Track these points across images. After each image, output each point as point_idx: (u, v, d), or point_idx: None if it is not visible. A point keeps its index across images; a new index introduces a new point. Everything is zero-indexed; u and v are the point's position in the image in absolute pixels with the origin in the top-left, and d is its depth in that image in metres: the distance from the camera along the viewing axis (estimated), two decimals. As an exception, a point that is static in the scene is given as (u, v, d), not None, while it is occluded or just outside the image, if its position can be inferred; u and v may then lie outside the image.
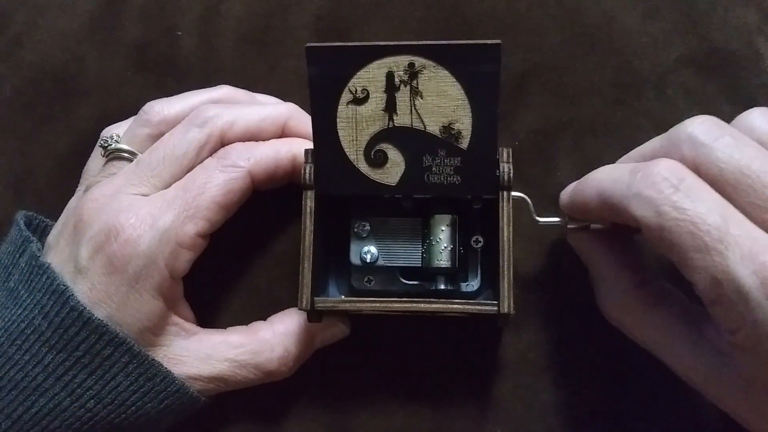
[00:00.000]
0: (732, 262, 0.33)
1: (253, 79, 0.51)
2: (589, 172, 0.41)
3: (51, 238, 0.45)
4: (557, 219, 0.44)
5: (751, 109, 0.38)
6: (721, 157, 0.35)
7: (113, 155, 0.46)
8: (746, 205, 0.34)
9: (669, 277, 0.41)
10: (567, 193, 0.43)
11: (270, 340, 0.45)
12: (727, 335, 0.35)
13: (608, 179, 0.39)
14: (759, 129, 0.37)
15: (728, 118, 0.38)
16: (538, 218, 0.44)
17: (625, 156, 0.43)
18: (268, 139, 0.46)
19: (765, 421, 0.37)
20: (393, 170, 0.41)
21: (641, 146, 0.41)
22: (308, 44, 0.39)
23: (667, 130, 0.38)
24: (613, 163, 0.43)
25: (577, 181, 0.42)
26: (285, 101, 0.49)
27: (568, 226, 0.43)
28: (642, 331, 0.41)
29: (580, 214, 0.43)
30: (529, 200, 0.43)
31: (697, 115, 0.38)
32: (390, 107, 0.40)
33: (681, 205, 0.34)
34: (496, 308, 0.40)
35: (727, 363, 0.36)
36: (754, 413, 0.37)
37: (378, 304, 0.41)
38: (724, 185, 0.35)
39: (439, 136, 0.40)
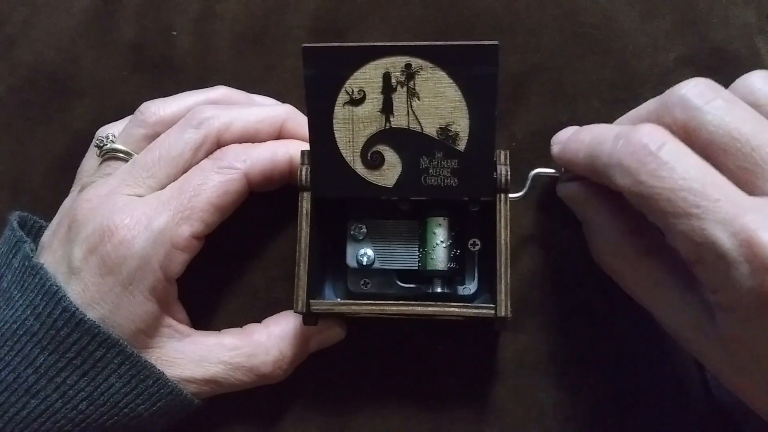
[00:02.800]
0: (709, 225, 0.33)
1: (250, 79, 0.51)
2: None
3: (45, 238, 0.45)
4: (553, 170, 0.44)
5: (751, 72, 0.38)
6: (712, 119, 0.35)
7: (108, 155, 0.45)
8: (736, 169, 0.35)
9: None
10: (559, 143, 0.43)
11: (265, 342, 0.44)
12: (709, 294, 0.36)
13: (595, 142, 0.39)
14: (759, 91, 0.37)
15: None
16: (536, 170, 0.44)
17: (621, 117, 0.43)
18: (265, 141, 0.45)
19: (743, 379, 0.37)
20: (390, 172, 0.40)
21: (636, 108, 0.41)
22: (305, 44, 0.39)
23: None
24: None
25: (570, 131, 0.43)
26: (282, 102, 0.49)
27: (565, 177, 0.43)
28: (633, 280, 0.41)
29: (569, 168, 0.43)
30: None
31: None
32: (387, 108, 0.39)
33: (658, 172, 0.34)
34: (493, 312, 0.40)
35: (712, 319, 0.36)
36: (733, 370, 0.37)
37: (374, 307, 0.41)
38: (714, 149, 0.35)
39: (436, 137, 0.39)
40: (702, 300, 0.37)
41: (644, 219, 0.38)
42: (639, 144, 0.35)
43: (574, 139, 0.41)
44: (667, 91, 0.38)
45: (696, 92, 0.36)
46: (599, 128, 0.41)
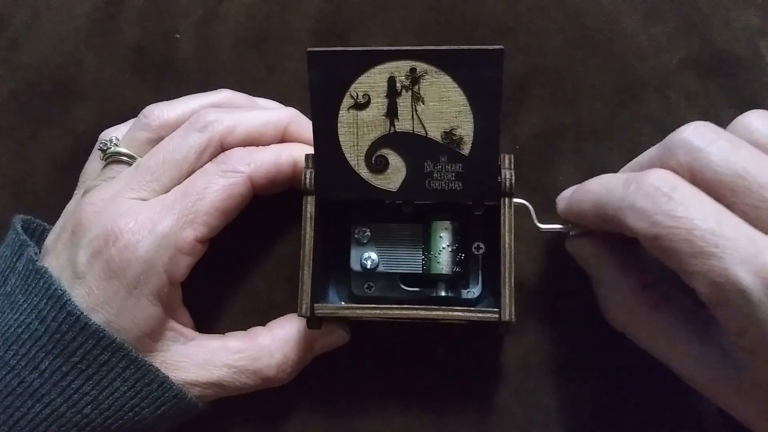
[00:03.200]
0: (730, 264, 0.33)
1: (252, 82, 0.51)
2: (590, 176, 0.41)
3: (49, 242, 0.45)
4: (559, 226, 0.44)
5: (748, 112, 0.38)
6: (717, 160, 0.35)
7: (112, 159, 0.45)
8: (745, 207, 0.34)
9: (672, 280, 0.41)
10: (564, 199, 0.43)
11: (269, 346, 0.44)
12: (733, 338, 0.35)
13: (603, 190, 0.39)
14: (757, 131, 0.37)
15: (730, 121, 0.38)
16: (539, 224, 0.43)
17: (625, 166, 0.42)
18: (269, 144, 0.45)
19: None
20: (394, 176, 0.40)
21: (639, 156, 0.41)
22: (310, 48, 0.39)
23: (670, 133, 0.38)
24: (616, 167, 0.43)
25: (573, 188, 0.42)
26: (285, 105, 0.49)
27: (571, 233, 0.43)
28: (646, 335, 0.41)
29: (577, 223, 0.43)
30: (530, 207, 0.43)
31: (698, 118, 0.38)
32: (391, 112, 0.39)
33: (674, 213, 0.34)
34: (497, 316, 0.40)
35: (733, 365, 0.36)
36: (761, 416, 0.37)
37: (378, 311, 0.41)
38: (722, 189, 0.35)
39: (441, 141, 0.39)
40: (719, 348, 0.37)
41: (653, 273, 0.38)
42: (651, 186, 0.35)
43: (579, 191, 0.41)
44: (668, 136, 0.38)
45: (697, 134, 0.37)
46: (605, 177, 0.41)
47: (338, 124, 0.40)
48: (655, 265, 0.42)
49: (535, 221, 0.43)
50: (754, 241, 0.33)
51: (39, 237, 0.47)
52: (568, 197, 0.43)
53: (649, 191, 0.35)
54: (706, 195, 0.35)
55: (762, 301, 0.32)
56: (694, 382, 0.39)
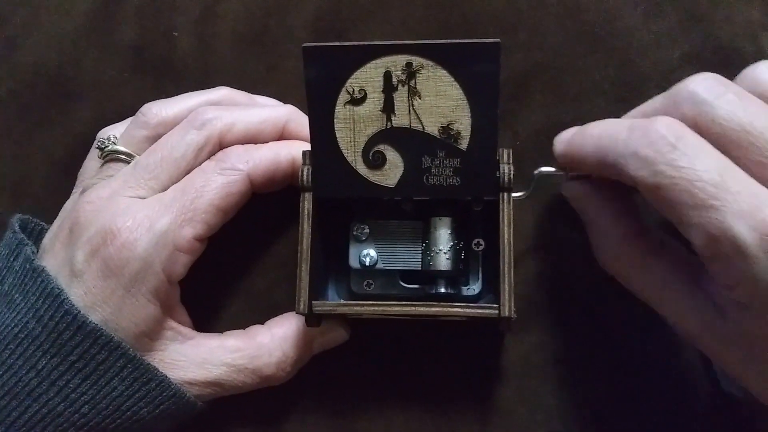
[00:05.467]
0: (729, 217, 0.33)
1: (251, 80, 0.51)
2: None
3: (46, 240, 0.45)
4: (558, 169, 0.43)
5: (758, 63, 0.38)
6: (723, 114, 0.35)
7: (110, 157, 0.45)
8: (750, 162, 0.34)
9: (667, 226, 0.41)
10: (563, 142, 0.42)
11: (268, 344, 0.44)
12: (725, 291, 0.35)
13: (606, 135, 0.38)
14: (766, 83, 0.37)
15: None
16: (540, 169, 0.43)
17: (628, 113, 0.42)
18: (267, 142, 0.45)
19: (758, 376, 0.37)
20: (392, 172, 0.40)
21: (643, 104, 0.41)
22: (305, 44, 0.39)
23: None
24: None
25: (573, 130, 0.42)
26: (283, 102, 0.49)
27: (569, 176, 0.43)
28: (639, 281, 0.41)
29: (575, 166, 0.42)
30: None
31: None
32: (388, 108, 0.39)
33: (678, 163, 0.34)
34: (497, 312, 0.39)
35: (724, 316, 0.36)
36: (748, 367, 0.37)
37: (377, 308, 0.41)
38: (727, 143, 0.35)
39: (438, 136, 0.39)
40: (710, 298, 0.37)
41: (648, 219, 0.37)
42: (657, 134, 0.35)
43: (580, 134, 0.41)
44: (675, 87, 0.38)
45: (705, 87, 0.36)
46: (609, 122, 0.40)
47: (335, 120, 0.40)
48: (650, 211, 0.42)
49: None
50: (756, 196, 0.33)
51: (37, 236, 0.47)
52: (567, 140, 0.42)
53: (654, 139, 0.35)
54: (712, 147, 0.35)
55: (757, 256, 0.32)
56: (684, 331, 0.39)
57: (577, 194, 0.43)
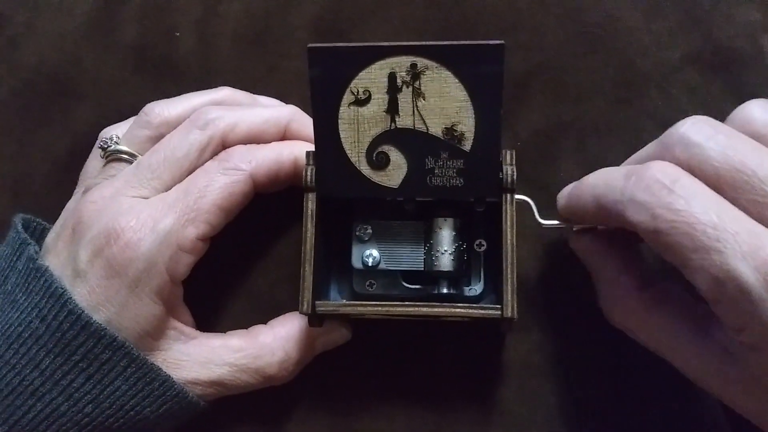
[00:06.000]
0: (732, 259, 0.32)
1: (253, 80, 0.51)
2: (592, 172, 0.41)
3: (49, 240, 0.45)
4: (561, 222, 0.43)
5: (747, 102, 0.38)
6: (715, 155, 0.35)
7: (113, 157, 0.45)
8: (746, 202, 0.34)
9: (673, 276, 0.41)
10: (564, 196, 0.43)
11: (270, 344, 0.44)
12: (734, 334, 0.35)
13: (602, 184, 0.39)
14: (756, 121, 0.37)
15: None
16: (541, 221, 0.43)
17: (625, 162, 0.42)
18: (270, 142, 0.45)
19: None
20: (395, 172, 0.40)
21: (638, 152, 0.41)
22: (310, 45, 0.39)
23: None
24: (618, 163, 0.43)
25: (573, 184, 0.42)
26: (286, 102, 0.49)
27: (574, 229, 0.43)
28: (646, 333, 0.41)
29: (578, 218, 0.42)
30: (532, 203, 0.43)
31: (700, 113, 0.38)
32: (392, 108, 0.39)
33: (675, 206, 0.34)
34: (499, 312, 0.40)
35: (735, 362, 0.36)
36: (763, 411, 0.37)
37: (380, 308, 0.41)
38: (721, 184, 0.35)
39: (442, 137, 0.39)
40: (720, 345, 0.37)
41: (653, 272, 0.37)
42: (652, 179, 0.35)
43: (579, 186, 0.41)
44: (666, 132, 0.38)
45: (695, 130, 0.36)
46: (605, 171, 0.40)
47: (339, 121, 0.40)
48: (655, 261, 0.42)
49: (537, 217, 0.43)
50: (756, 236, 0.33)
51: (39, 236, 0.47)
52: (568, 193, 0.42)
53: (650, 183, 0.35)
54: (707, 188, 0.35)
55: (763, 297, 0.32)
56: (696, 378, 0.39)
57: (584, 248, 0.43)
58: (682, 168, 0.36)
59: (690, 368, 0.39)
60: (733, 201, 0.34)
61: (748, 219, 0.34)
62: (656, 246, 0.35)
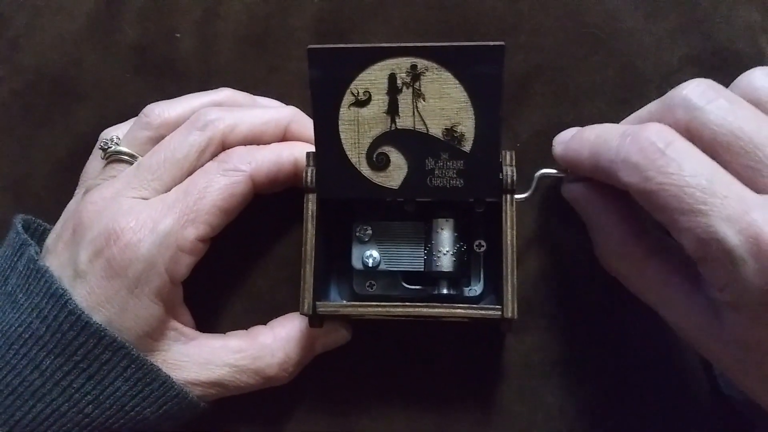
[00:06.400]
0: (716, 221, 0.33)
1: (253, 81, 0.51)
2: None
3: (49, 241, 0.45)
4: (558, 171, 0.44)
5: (753, 69, 0.38)
6: (714, 119, 0.36)
7: (113, 158, 0.45)
8: (740, 167, 0.35)
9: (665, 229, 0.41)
10: (561, 143, 0.43)
11: (270, 344, 0.44)
12: (717, 293, 0.36)
13: (599, 141, 0.39)
14: (760, 89, 0.37)
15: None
16: (541, 171, 0.44)
17: (625, 119, 0.43)
18: (270, 143, 0.45)
19: (753, 377, 0.37)
20: (395, 173, 0.40)
21: (639, 110, 0.41)
22: (310, 46, 0.39)
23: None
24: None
25: (572, 131, 0.43)
26: (286, 104, 0.49)
27: (570, 178, 0.43)
28: (639, 281, 0.41)
29: (572, 168, 0.43)
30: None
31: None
32: (392, 110, 0.39)
33: (666, 169, 0.35)
34: (499, 313, 0.40)
35: (720, 319, 0.36)
36: (744, 370, 0.37)
37: (380, 309, 0.41)
38: (718, 148, 0.35)
39: (442, 138, 0.39)
40: (709, 299, 0.37)
41: (648, 220, 0.38)
42: (647, 141, 0.36)
43: (577, 138, 0.42)
44: (669, 93, 0.38)
45: (698, 92, 0.37)
46: (604, 127, 0.41)
47: (339, 122, 0.40)
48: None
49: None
50: (744, 200, 0.34)
51: (40, 236, 0.47)
52: (565, 142, 0.43)
53: (644, 146, 0.36)
54: (701, 152, 0.35)
55: (744, 259, 0.33)
56: (682, 331, 0.39)
57: (577, 196, 0.43)
58: (682, 129, 0.36)
59: (677, 319, 0.39)
60: (727, 165, 0.35)
61: (738, 184, 0.34)
62: (646, 206, 0.36)
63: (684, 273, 0.39)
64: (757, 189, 0.34)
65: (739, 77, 0.38)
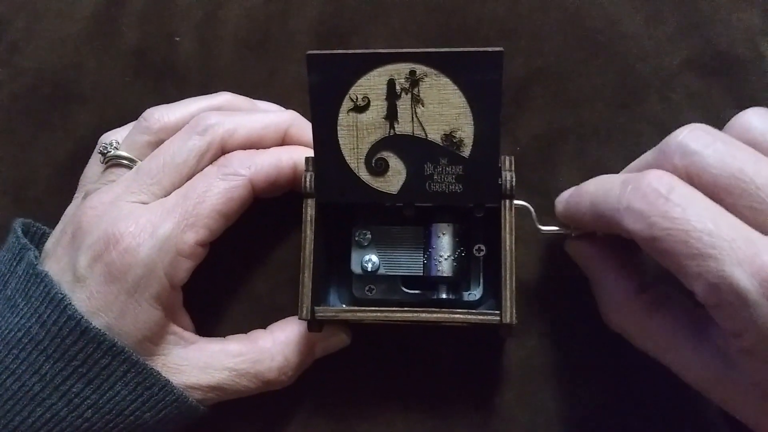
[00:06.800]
0: (728, 266, 0.33)
1: (253, 85, 0.51)
2: (592, 177, 0.41)
3: (49, 245, 0.45)
4: (559, 228, 0.44)
5: (746, 110, 0.38)
6: (713, 163, 0.35)
7: (112, 162, 0.45)
8: (743, 209, 0.34)
9: (671, 281, 0.41)
10: (562, 202, 0.43)
11: (270, 348, 0.44)
12: (732, 339, 0.35)
13: (600, 192, 0.39)
14: (755, 129, 0.37)
15: (732, 122, 0.38)
16: (540, 227, 0.43)
17: (623, 170, 0.42)
18: (269, 147, 0.45)
19: None
20: (394, 178, 0.40)
21: (636, 161, 0.41)
22: (309, 51, 0.39)
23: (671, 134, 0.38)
24: (617, 169, 0.43)
25: (571, 190, 0.42)
26: (285, 108, 0.49)
27: (573, 235, 0.43)
28: (645, 338, 0.41)
29: (576, 224, 0.43)
30: (531, 209, 0.43)
31: (700, 119, 0.38)
32: (391, 115, 0.39)
33: (671, 214, 0.34)
34: (498, 318, 0.40)
35: (733, 366, 0.36)
36: (759, 414, 0.37)
37: (379, 314, 0.41)
38: (719, 191, 0.35)
39: (441, 144, 0.39)
40: (718, 349, 0.37)
41: (651, 275, 0.37)
42: (649, 187, 0.35)
43: (576, 192, 0.41)
44: (664, 140, 0.38)
45: (693, 137, 0.36)
46: (602, 178, 0.41)
47: (338, 127, 0.40)
48: (653, 266, 0.42)
49: (536, 223, 0.43)
50: (752, 242, 0.33)
51: (39, 241, 0.47)
52: (566, 199, 0.43)
53: (646, 192, 0.35)
54: (704, 196, 0.35)
55: (759, 303, 0.32)
56: (694, 383, 0.39)
57: (580, 253, 0.43)
58: (681, 175, 0.36)
59: (689, 372, 0.39)
60: (731, 208, 0.35)
61: (744, 226, 0.34)
62: (653, 253, 0.35)
63: (690, 325, 0.39)
64: (763, 230, 0.34)
65: (733, 118, 0.38)
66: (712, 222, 0.34)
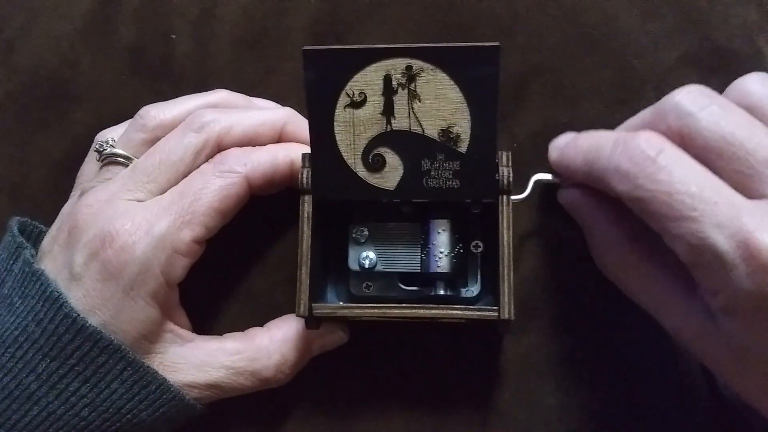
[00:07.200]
0: (707, 227, 0.34)
1: (249, 83, 0.50)
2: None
3: (45, 244, 0.45)
4: (553, 177, 0.44)
5: (747, 74, 0.39)
6: (706, 125, 0.36)
7: (108, 160, 0.45)
8: (732, 173, 0.35)
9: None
10: (556, 149, 0.44)
11: (267, 346, 0.44)
12: (709, 298, 0.36)
13: (593, 149, 0.39)
14: (753, 94, 0.37)
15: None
16: (536, 176, 0.44)
17: (619, 127, 0.43)
18: (266, 144, 0.45)
19: (747, 380, 0.37)
20: (391, 174, 0.40)
21: (632, 117, 0.42)
22: (305, 47, 0.39)
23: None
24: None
25: (567, 138, 0.43)
26: (282, 105, 0.49)
27: (565, 184, 0.44)
28: (636, 285, 0.41)
29: (567, 175, 0.43)
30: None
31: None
32: (388, 111, 0.39)
33: (657, 176, 0.35)
34: (496, 314, 0.40)
35: (716, 323, 0.37)
36: (737, 372, 0.37)
37: (377, 311, 0.41)
38: (710, 154, 0.36)
39: (438, 139, 0.39)
40: (704, 303, 0.37)
41: (644, 224, 0.38)
42: (637, 149, 0.36)
43: (572, 146, 0.42)
44: (662, 99, 0.38)
45: (690, 99, 0.37)
46: (597, 134, 0.41)
47: (334, 123, 0.40)
48: None
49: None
50: (734, 205, 0.34)
51: (35, 239, 0.47)
52: (561, 148, 0.43)
53: (635, 153, 0.36)
54: (692, 159, 0.36)
55: (735, 264, 0.33)
56: (679, 336, 0.39)
57: (573, 202, 0.44)
58: (674, 136, 0.37)
59: (674, 323, 0.39)
60: (720, 171, 0.35)
61: (729, 189, 0.35)
62: (639, 213, 0.36)
63: (680, 278, 0.39)
64: (749, 194, 0.35)
65: (734, 82, 0.39)
66: (697, 185, 0.34)
